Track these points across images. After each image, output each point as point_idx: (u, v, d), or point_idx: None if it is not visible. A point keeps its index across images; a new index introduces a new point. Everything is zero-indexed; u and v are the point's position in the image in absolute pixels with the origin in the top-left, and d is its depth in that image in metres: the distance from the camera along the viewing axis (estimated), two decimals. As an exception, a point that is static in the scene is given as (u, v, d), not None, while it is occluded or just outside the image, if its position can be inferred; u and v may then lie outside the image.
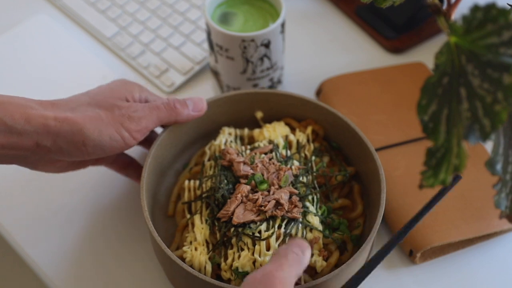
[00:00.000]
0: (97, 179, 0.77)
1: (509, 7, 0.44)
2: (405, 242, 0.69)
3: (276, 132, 0.72)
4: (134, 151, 0.75)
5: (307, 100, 0.73)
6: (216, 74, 0.82)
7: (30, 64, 0.88)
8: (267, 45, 0.76)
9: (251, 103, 0.74)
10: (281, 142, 0.71)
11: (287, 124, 0.75)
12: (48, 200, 0.76)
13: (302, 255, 0.53)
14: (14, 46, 0.90)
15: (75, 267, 0.71)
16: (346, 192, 0.71)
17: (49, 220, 0.75)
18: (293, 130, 0.74)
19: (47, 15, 0.94)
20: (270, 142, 0.71)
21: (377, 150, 0.75)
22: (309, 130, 0.73)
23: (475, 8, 0.42)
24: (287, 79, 0.86)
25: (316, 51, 0.91)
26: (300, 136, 0.72)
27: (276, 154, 0.69)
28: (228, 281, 0.62)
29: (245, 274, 0.61)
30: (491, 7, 0.41)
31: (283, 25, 0.76)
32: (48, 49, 0.90)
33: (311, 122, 0.74)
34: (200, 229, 0.65)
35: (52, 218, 0.75)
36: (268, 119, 0.75)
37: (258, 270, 0.51)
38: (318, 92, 0.83)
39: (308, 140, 0.72)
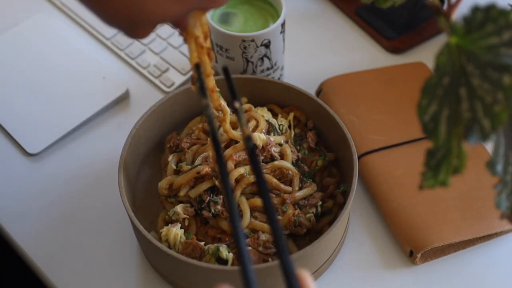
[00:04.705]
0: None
1: (510, 7, 0.44)
2: (406, 243, 0.69)
3: None
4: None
5: (290, 87, 0.75)
6: (216, 74, 0.82)
7: (30, 64, 0.88)
8: (267, 45, 0.76)
9: (237, 89, 0.76)
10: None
11: (270, 110, 0.77)
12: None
13: None
14: (14, 46, 0.90)
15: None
16: (324, 176, 0.73)
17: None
18: (276, 116, 0.76)
19: (47, 15, 0.94)
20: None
21: (377, 150, 0.75)
22: (291, 116, 0.75)
23: (476, 9, 0.42)
24: (287, 79, 0.86)
25: (316, 51, 0.91)
26: (282, 122, 0.74)
27: None
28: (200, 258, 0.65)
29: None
30: (491, 7, 0.41)
31: (283, 25, 0.76)
32: (48, 49, 0.90)
33: (293, 108, 0.76)
34: (182, 207, 0.68)
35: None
36: (253, 105, 0.77)
37: None
38: (318, 92, 0.83)
39: (289, 126, 0.75)
